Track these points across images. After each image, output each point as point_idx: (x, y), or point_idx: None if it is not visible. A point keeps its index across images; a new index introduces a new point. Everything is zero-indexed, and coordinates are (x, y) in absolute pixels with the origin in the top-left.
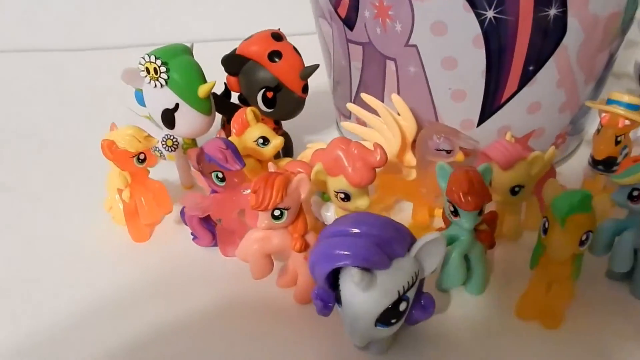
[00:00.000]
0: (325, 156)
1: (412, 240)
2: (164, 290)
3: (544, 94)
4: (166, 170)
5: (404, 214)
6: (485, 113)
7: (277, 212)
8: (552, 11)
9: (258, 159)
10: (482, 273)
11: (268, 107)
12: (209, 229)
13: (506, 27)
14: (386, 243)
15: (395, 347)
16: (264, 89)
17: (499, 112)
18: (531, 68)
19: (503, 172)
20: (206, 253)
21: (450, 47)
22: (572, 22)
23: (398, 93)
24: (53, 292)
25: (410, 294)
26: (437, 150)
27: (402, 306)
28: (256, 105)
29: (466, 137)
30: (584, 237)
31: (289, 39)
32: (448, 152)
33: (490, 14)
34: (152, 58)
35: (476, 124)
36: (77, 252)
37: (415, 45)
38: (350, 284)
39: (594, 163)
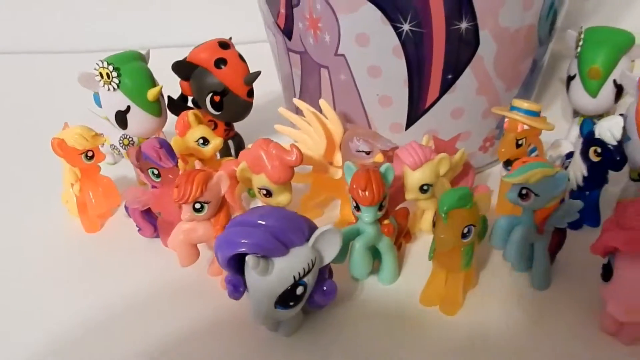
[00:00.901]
0: (248, 155)
1: (313, 231)
2: (108, 275)
3: (465, 101)
4: (125, 168)
5: (337, 210)
6: (412, 117)
7: (197, 205)
8: (464, 25)
9: (200, 157)
10: (392, 264)
11: (216, 110)
12: (151, 221)
13: (422, 39)
14: (283, 233)
15: (304, 330)
16: (211, 93)
17: (425, 116)
18: (450, 76)
19: (412, 172)
20: (149, 243)
21: (373, 56)
22: (484, 34)
23: (333, 98)
24: (11, 278)
25: (309, 280)
26: (357, 151)
27: (299, 290)
28: (206, 108)
29: (384, 140)
30: (465, 230)
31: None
32: (367, 153)
33: (406, 27)
34: (105, 64)
35: (404, 128)
36: (34, 241)
37: (343, 55)
38: (251, 269)
39: (505, 165)
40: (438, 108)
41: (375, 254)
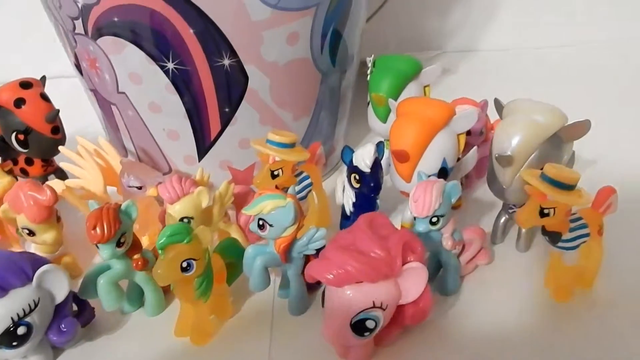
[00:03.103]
0: (10, 196)
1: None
2: None
3: (250, 132)
4: None
5: None
6: (201, 150)
7: None
8: (226, 61)
9: None
10: (153, 296)
11: (23, 148)
12: None
13: (189, 76)
14: None
15: None
16: (15, 132)
17: (213, 148)
18: (227, 110)
19: (172, 205)
20: None
21: (150, 94)
22: (250, 69)
23: (128, 134)
24: None
25: (34, 319)
26: (129, 186)
27: (21, 330)
28: (14, 146)
29: (156, 175)
30: (184, 265)
31: None
32: (139, 188)
33: (170, 65)
34: None
35: (197, 160)
36: None
37: (124, 93)
38: None
39: None
40: (224, 140)
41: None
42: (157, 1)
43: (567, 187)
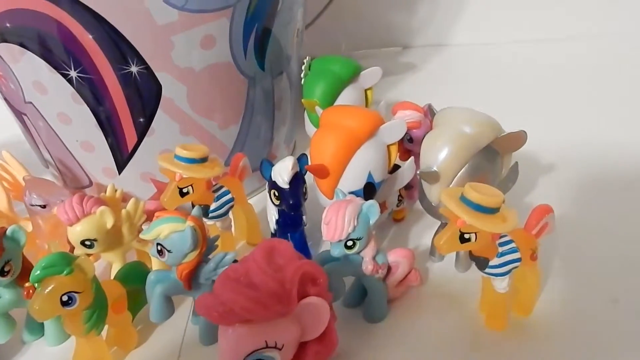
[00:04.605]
0: None
1: None
2: None
3: (171, 142)
4: None
5: None
6: (120, 162)
7: None
8: (134, 69)
9: None
10: (53, 326)
11: None
12: None
13: (94, 84)
14: None
15: None
16: None
17: (133, 160)
18: (142, 120)
19: (71, 227)
20: None
21: (57, 104)
22: (162, 76)
23: (44, 145)
24: None
25: None
26: (32, 205)
27: None
28: None
29: (60, 192)
30: (65, 298)
31: None
32: (43, 206)
33: (73, 73)
34: None
35: (117, 172)
36: None
37: (31, 102)
38: None
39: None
40: (144, 151)
41: None
42: (47, 5)
43: (489, 210)
